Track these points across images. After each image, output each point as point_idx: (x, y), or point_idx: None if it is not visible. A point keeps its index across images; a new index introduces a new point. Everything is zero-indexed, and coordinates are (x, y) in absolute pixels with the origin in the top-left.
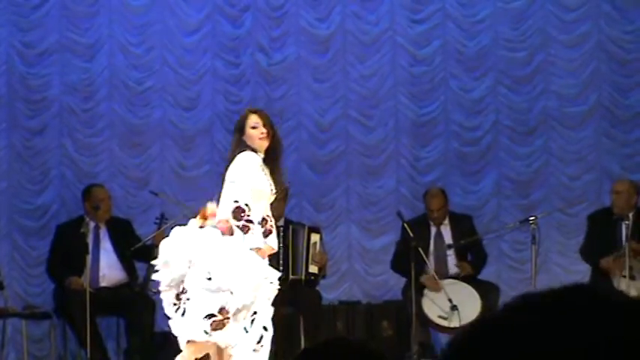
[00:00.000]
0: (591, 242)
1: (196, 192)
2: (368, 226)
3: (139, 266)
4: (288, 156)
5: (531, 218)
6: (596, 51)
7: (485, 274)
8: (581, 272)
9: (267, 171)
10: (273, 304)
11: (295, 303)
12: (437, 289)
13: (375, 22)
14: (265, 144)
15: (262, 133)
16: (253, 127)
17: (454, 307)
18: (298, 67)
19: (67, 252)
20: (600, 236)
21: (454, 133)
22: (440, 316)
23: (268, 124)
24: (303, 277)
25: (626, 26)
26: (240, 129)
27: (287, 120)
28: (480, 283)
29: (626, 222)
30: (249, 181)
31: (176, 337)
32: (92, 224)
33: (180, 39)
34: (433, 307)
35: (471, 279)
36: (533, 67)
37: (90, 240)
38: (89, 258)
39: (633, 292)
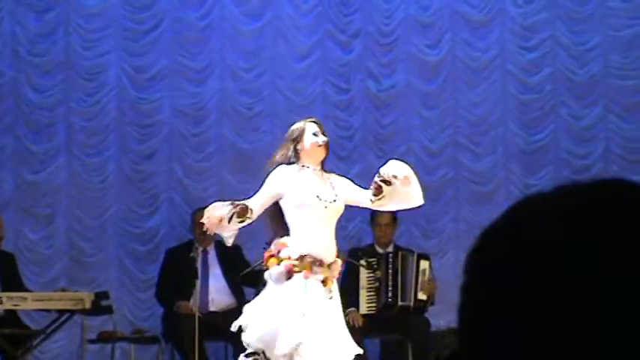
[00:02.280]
0: None
1: None
2: None
3: (248, 291)
4: None
5: None
6: None
7: None
8: None
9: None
10: (384, 330)
11: (404, 329)
12: None
13: (484, 49)
14: (324, 153)
15: (323, 141)
16: (314, 135)
17: None
18: (408, 94)
19: (176, 276)
20: None
21: (564, 161)
22: None
23: (325, 132)
24: (412, 303)
25: None
26: (297, 138)
27: (396, 146)
28: None
29: None
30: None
31: None
32: (200, 249)
33: (291, 64)
34: None
35: None
36: None
37: (199, 264)
38: (198, 282)
39: None
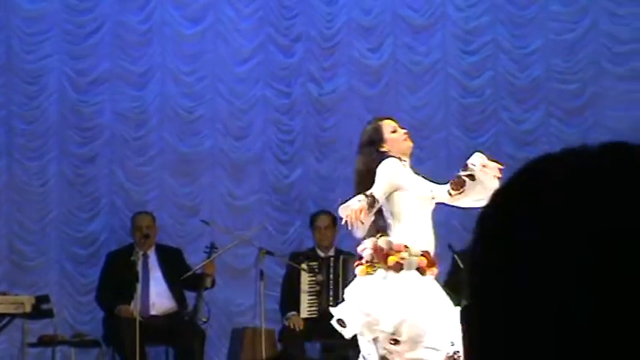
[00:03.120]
0: None
1: (246, 221)
2: None
3: (189, 295)
4: (337, 186)
5: None
6: None
7: None
8: None
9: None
10: (325, 334)
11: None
12: None
13: (426, 53)
14: (411, 144)
15: (406, 133)
16: (393, 132)
17: None
18: (349, 97)
19: (117, 280)
20: None
21: (505, 165)
22: None
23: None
24: None
25: None
26: (378, 140)
27: (337, 150)
28: None
29: None
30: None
31: None
32: (141, 252)
33: (232, 68)
34: None
35: None
36: (585, 100)
37: (139, 268)
38: (139, 286)
39: None
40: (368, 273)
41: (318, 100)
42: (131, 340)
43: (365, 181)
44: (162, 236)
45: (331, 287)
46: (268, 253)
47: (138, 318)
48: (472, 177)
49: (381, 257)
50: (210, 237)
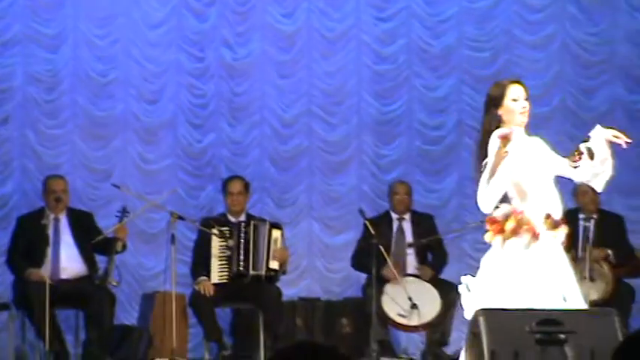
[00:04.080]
0: None
1: (158, 185)
2: (329, 223)
3: (100, 259)
4: (250, 151)
5: None
6: (561, 52)
7: (446, 274)
8: None
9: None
10: (236, 299)
11: (255, 299)
12: (396, 282)
13: (340, 20)
14: (525, 120)
15: (524, 108)
16: (514, 100)
17: (414, 306)
18: (263, 63)
19: (28, 243)
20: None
21: (417, 132)
22: (399, 315)
23: (529, 98)
24: (263, 272)
25: (590, 28)
26: (497, 101)
27: (250, 115)
28: (440, 283)
29: (588, 223)
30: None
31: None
32: (52, 216)
33: (145, 32)
34: (393, 305)
35: (431, 278)
36: (498, 67)
37: (50, 232)
38: (50, 250)
39: (592, 294)
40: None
41: (231, 65)
42: (41, 304)
43: (486, 141)
44: (73, 200)
45: (242, 252)
46: (180, 217)
47: (48, 282)
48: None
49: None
50: (122, 201)
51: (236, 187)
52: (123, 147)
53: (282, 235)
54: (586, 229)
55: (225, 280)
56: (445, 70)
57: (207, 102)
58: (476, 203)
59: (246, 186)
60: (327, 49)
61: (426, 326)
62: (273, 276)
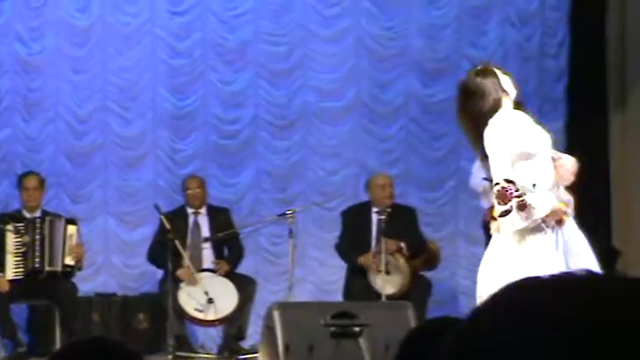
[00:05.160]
0: (346, 238)
1: None
2: (125, 218)
3: None
4: (45, 147)
5: (289, 212)
6: (356, 47)
7: (243, 268)
8: (337, 267)
9: None
10: (31, 295)
11: (51, 295)
12: (193, 281)
13: (135, 14)
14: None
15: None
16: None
17: (210, 300)
18: (57, 58)
19: None
20: (355, 232)
21: (213, 126)
22: (196, 309)
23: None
24: (59, 268)
25: (385, 22)
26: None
27: (45, 111)
28: (237, 277)
29: (382, 216)
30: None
31: None
32: None
33: None
34: (189, 300)
35: (228, 272)
36: (293, 62)
37: None
38: None
39: (389, 288)
40: None
41: (25, 61)
42: None
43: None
44: None
45: (37, 248)
46: None
47: None
48: None
49: None
50: None
51: (31, 182)
52: None
53: (78, 230)
54: (380, 222)
55: (20, 277)
56: (241, 64)
57: (1, 97)
58: (272, 197)
59: (42, 182)
60: (122, 44)
61: (223, 320)
62: (69, 272)
